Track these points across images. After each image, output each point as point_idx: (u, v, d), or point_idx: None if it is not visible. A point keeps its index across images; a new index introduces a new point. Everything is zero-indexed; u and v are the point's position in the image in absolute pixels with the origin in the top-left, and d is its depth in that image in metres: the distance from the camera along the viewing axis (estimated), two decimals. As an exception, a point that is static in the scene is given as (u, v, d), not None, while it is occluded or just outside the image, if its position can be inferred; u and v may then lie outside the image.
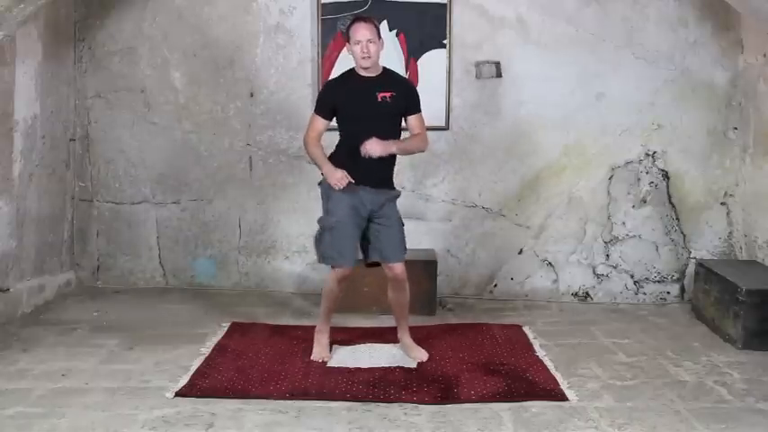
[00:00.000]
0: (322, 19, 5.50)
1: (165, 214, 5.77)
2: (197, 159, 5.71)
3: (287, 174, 5.69)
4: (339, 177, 4.04)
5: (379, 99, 4.07)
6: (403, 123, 4.24)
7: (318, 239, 4.21)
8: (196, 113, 5.70)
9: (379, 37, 4.10)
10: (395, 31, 5.48)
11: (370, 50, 4.02)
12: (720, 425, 3.43)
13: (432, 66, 5.49)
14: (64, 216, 5.63)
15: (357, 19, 4.15)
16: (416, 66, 5.48)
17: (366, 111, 4.08)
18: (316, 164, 4.24)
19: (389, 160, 4.16)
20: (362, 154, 4.00)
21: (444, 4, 5.48)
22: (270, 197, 5.72)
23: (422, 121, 4.24)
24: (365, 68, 4.09)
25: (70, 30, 5.62)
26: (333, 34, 5.48)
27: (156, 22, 5.65)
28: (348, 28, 4.13)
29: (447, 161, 5.61)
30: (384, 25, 5.41)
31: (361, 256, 4.26)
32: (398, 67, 5.41)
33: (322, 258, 4.23)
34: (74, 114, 5.70)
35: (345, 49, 4.25)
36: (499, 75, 5.56)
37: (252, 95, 5.65)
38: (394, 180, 4.25)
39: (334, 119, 4.20)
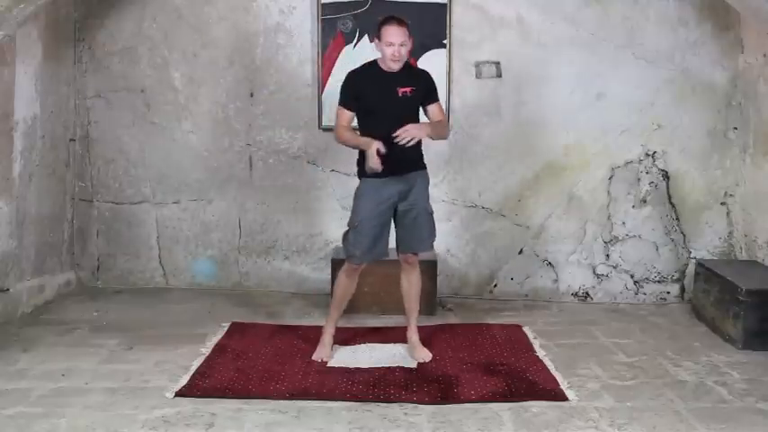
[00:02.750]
0: (322, 19, 5.50)
1: (165, 214, 5.77)
2: (197, 159, 5.71)
3: (287, 174, 5.69)
4: (376, 147, 3.98)
5: (400, 94, 4.13)
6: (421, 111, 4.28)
7: (345, 237, 4.28)
8: (196, 113, 5.69)
9: (410, 36, 4.15)
10: (395, 31, 5.47)
11: (402, 54, 4.08)
12: (720, 425, 3.44)
13: (432, 66, 5.41)
14: (64, 216, 5.63)
15: (391, 19, 4.13)
16: (416, 66, 5.47)
17: (387, 105, 4.12)
18: (354, 146, 4.19)
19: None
20: (398, 141, 3.99)
21: (444, 4, 5.47)
22: (270, 197, 5.71)
23: (441, 108, 4.35)
24: (392, 68, 4.13)
25: (70, 30, 5.62)
26: (333, 34, 5.48)
27: (156, 22, 5.65)
28: (380, 26, 4.12)
29: (447, 161, 5.60)
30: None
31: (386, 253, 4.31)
32: (398, 67, 5.43)
33: (346, 255, 4.29)
34: (74, 114, 5.70)
35: (374, 44, 4.22)
36: (499, 75, 5.56)
37: (252, 95, 5.65)
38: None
39: None
